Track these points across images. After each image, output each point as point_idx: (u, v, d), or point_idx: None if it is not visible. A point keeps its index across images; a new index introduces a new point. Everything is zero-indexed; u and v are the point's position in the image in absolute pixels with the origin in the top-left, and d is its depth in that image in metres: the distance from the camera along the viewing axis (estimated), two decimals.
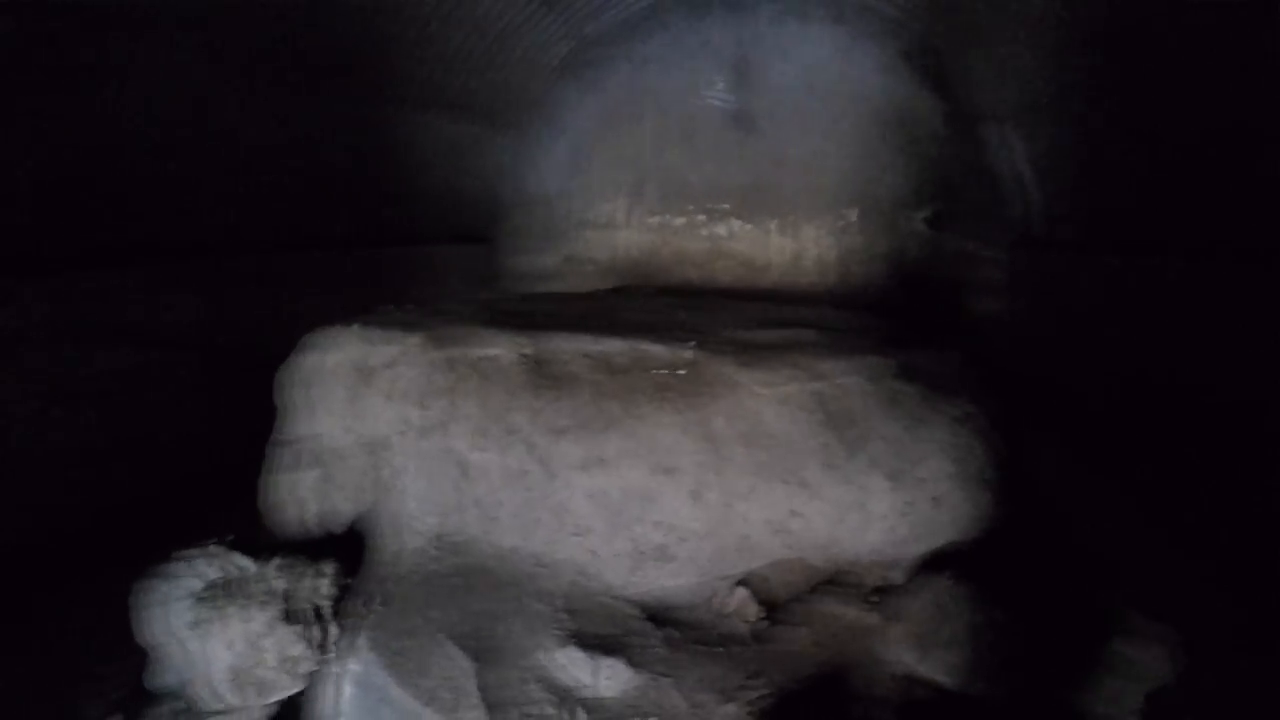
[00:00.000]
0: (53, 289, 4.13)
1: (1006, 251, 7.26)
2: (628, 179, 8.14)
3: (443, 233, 7.43)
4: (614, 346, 2.84)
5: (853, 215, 7.97)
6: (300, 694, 2.80)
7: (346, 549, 2.95)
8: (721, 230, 8.18)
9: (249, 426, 3.65)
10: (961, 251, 7.85)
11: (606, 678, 2.57)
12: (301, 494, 3.05)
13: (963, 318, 7.37)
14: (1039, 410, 5.50)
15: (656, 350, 2.81)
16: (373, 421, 2.95)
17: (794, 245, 8.16)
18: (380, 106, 6.05)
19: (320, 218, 6.00)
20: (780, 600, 2.88)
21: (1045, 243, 6.54)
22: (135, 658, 3.23)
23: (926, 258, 7.82)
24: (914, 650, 2.63)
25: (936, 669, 2.58)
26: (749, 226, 8.17)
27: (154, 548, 3.24)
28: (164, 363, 4.82)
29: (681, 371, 2.73)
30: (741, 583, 2.91)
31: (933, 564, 2.88)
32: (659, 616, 2.80)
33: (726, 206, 8.28)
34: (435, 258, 7.23)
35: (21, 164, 3.96)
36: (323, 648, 2.67)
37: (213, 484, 4.06)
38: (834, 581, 2.96)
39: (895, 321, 3.90)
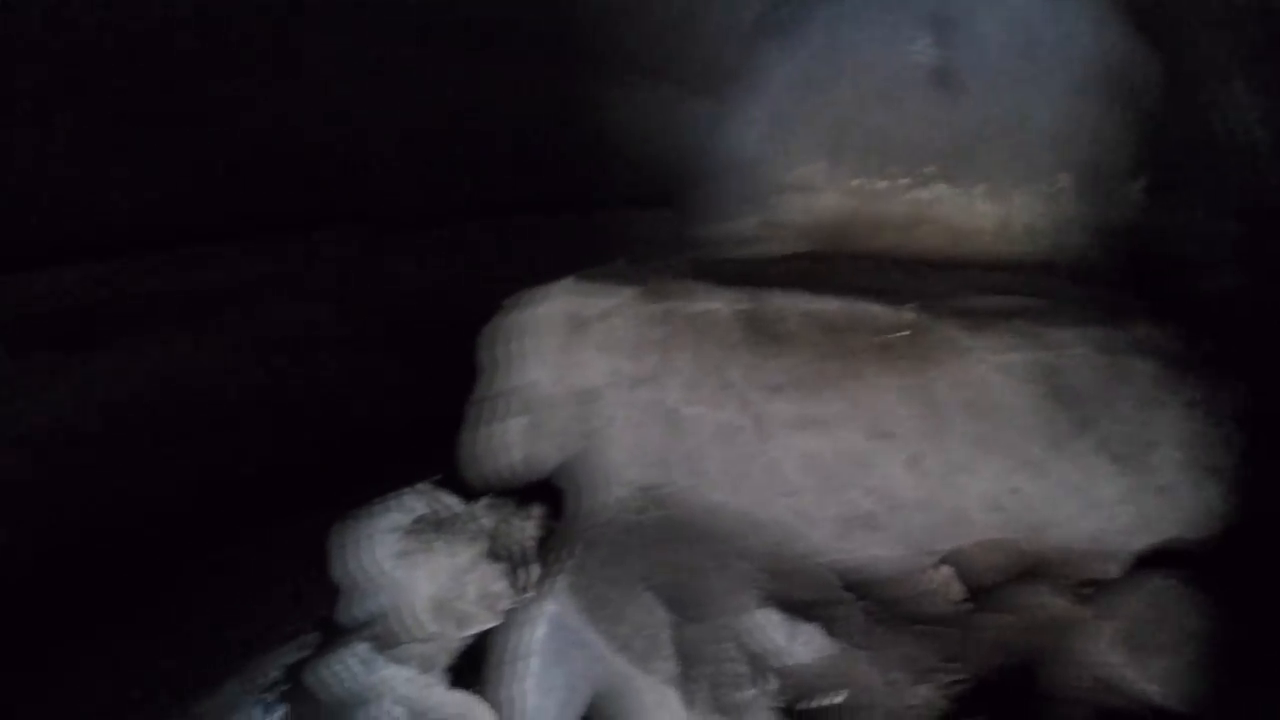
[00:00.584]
0: (264, 250, 4.53)
1: (1235, 223, 6.82)
2: (826, 141, 8.11)
3: (638, 198, 7.67)
4: (832, 305, 2.95)
5: (1065, 181, 7.65)
6: (494, 630, 3.05)
7: (550, 496, 3.18)
8: (925, 195, 8.03)
9: (442, 388, 3.97)
10: (1184, 222, 7.45)
11: (802, 644, 2.72)
12: (508, 441, 3.31)
13: (1187, 296, 7.01)
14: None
15: (877, 311, 2.90)
16: (584, 372, 3.16)
17: (1002, 212, 7.92)
18: (579, 75, 6.32)
19: (518, 185, 6.34)
20: (985, 584, 2.94)
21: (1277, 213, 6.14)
22: (326, 595, 3.63)
23: (1146, 228, 7.46)
24: (1124, 652, 2.62)
25: (1146, 675, 2.56)
26: (954, 191, 7.98)
27: (348, 493, 3.61)
28: (363, 324, 5.23)
29: (903, 334, 2.80)
30: (946, 561, 2.90)
31: (1152, 561, 2.87)
32: (860, 587, 2.92)
33: (930, 170, 8.12)
34: (631, 223, 7.48)
35: (239, 132, 4.40)
36: (523, 587, 2.91)
37: (405, 441, 4.40)
38: (1043, 570, 2.96)
39: (1121, 294, 3.80)
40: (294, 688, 3.47)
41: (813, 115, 8.56)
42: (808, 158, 8.49)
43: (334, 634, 3.43)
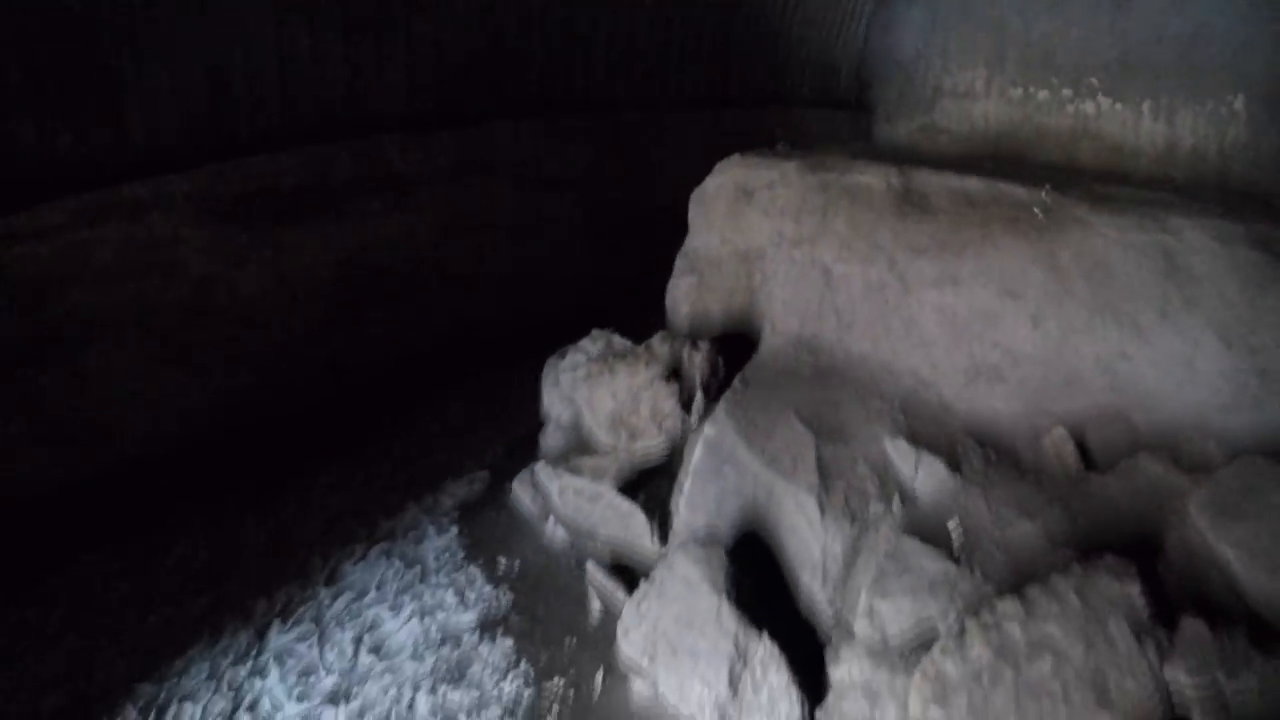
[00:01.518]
0: (460, 136, 5.64)
1: None
2: (988, 46, 8.67)
3: (815, 98, 8.43)
4: (974, 184, 3.72)
5: (1238, 103, 8.05)
6: (659, 447, 4.03)
7: (718, 341, 4.10)
8: (1089, 108, 8.54)
9: (626, 263, 4.92)
10: None
11: (925, 473, 3.53)
12: (678, 296, 4.23)
13: None
14: None
15: (1013, 189, 3.66)
16: (749, 234, 4.04)
17: (1168, 132, 8.39)
18: None
19: (701, 80, 7.23)
20: (1097, 456, 3.62)
21: None
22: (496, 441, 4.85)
23: None
24: (1209, 516, 3.18)
25: (1226, 538, 3.12)
26: (1119, 106, 8.47)
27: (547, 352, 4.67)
28: (556, 203, 6.25)
29: (1035, 209, 3.54)
30: (1062, 424, 3.64)
31: (1253, 442, 3.44)
32: (981, 435, 3.73)
33: (1095, 82, 8.59)
34: (805, 120, 8.27)
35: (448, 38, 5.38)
36: (688, 408, 3.81)
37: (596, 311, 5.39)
38: (1150, 446, 3.59)
39: (1259, 203, 4.36)
40: (464, 513, 4.54)
41: (974, 18, 9.13)
42: (968, 63, 9.12)
43: (528, 452, 4.47)
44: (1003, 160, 4.99)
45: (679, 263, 4.39)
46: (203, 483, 4.80)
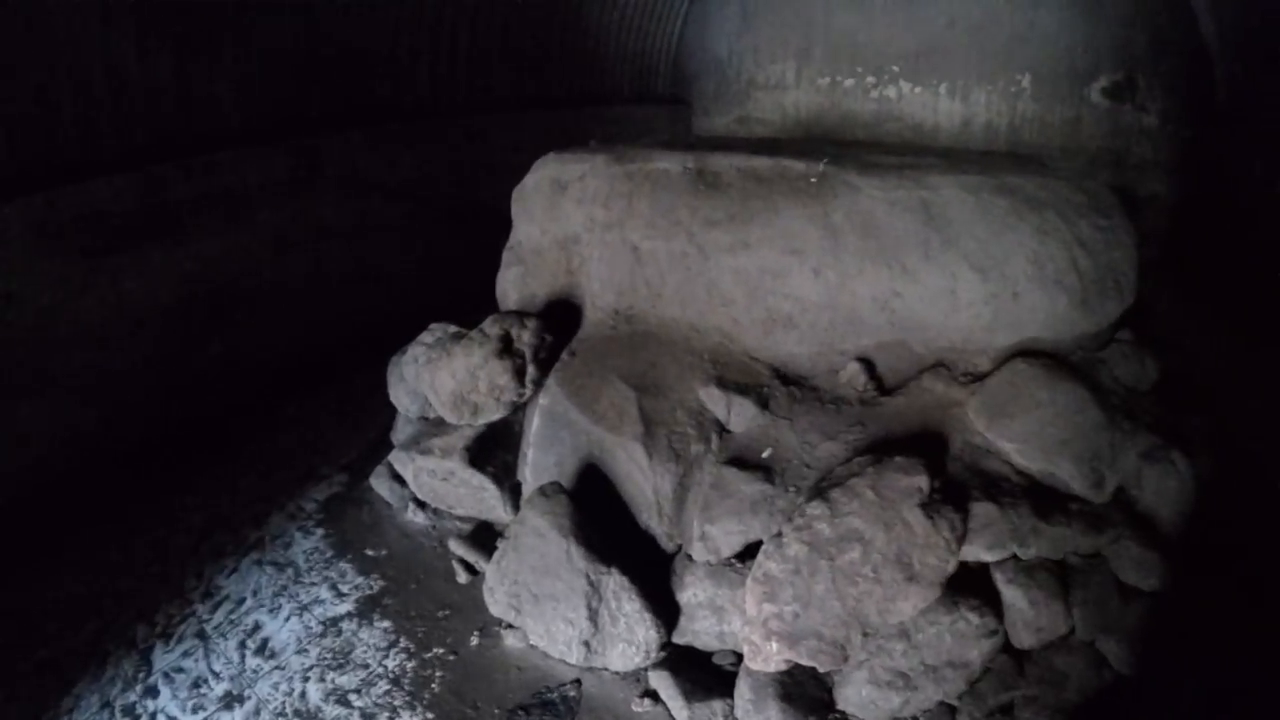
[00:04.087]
0: (292, 147, 6.23)
1: (1190, 129, 8.20)
2: (796, 40, 9.64)
3: (634, 96, 9.20)
4: (760, 161, 4.47)
5: (1025, 81, 9.17)
6: (501, 423, 4.61)
7: (544, 319, 4.75)
8: (890, 93, 9.57)
9: (461, 260, 5.50)
10: (1140, 126, 8.90)
11: (737, 414, 4.21)
12: (506, 287, 4.91)
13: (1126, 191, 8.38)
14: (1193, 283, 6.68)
15: (795, 164, 4.42)
16: (565, 223, 4.72)
17: (963, 110, 9.47)
18: None
19: (522, 81, 7.91)
20: (886, 380, 4.37)
21: (1229, 122, 7.46)
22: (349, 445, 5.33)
23: (1103, 132, 8.92)
24: (985, 417, 4.01)
25: (1002, 435, 3.94)
26: (918, 90, 9.52)
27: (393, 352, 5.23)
28: (385, 209, 6.84)
29: (813, 180, 4.31)
30: (855, 360, 4.37)
31: (1017, 355, 4.23)
32: (784, 375, 4.42)
33: (896, 69, 9.65)
34: (625, 118, 9.02)
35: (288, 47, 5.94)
36: (521, 381, 4.45)
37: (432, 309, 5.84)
38: (931, 367, 4.36)
39: (1035, 164, 5.20)
40: (328, 513, 4.99)
41: (783, 14, 10.15)
42: (778, 56, 10.11)
43: (379, 452, 5.03)
44: (810, 143, 5.77)
45: (506, 255, 5.02)
46: (67, 514, 5.03)
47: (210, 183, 5.96)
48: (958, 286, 4.23)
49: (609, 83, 8.99)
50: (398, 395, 4.86)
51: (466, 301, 5.69)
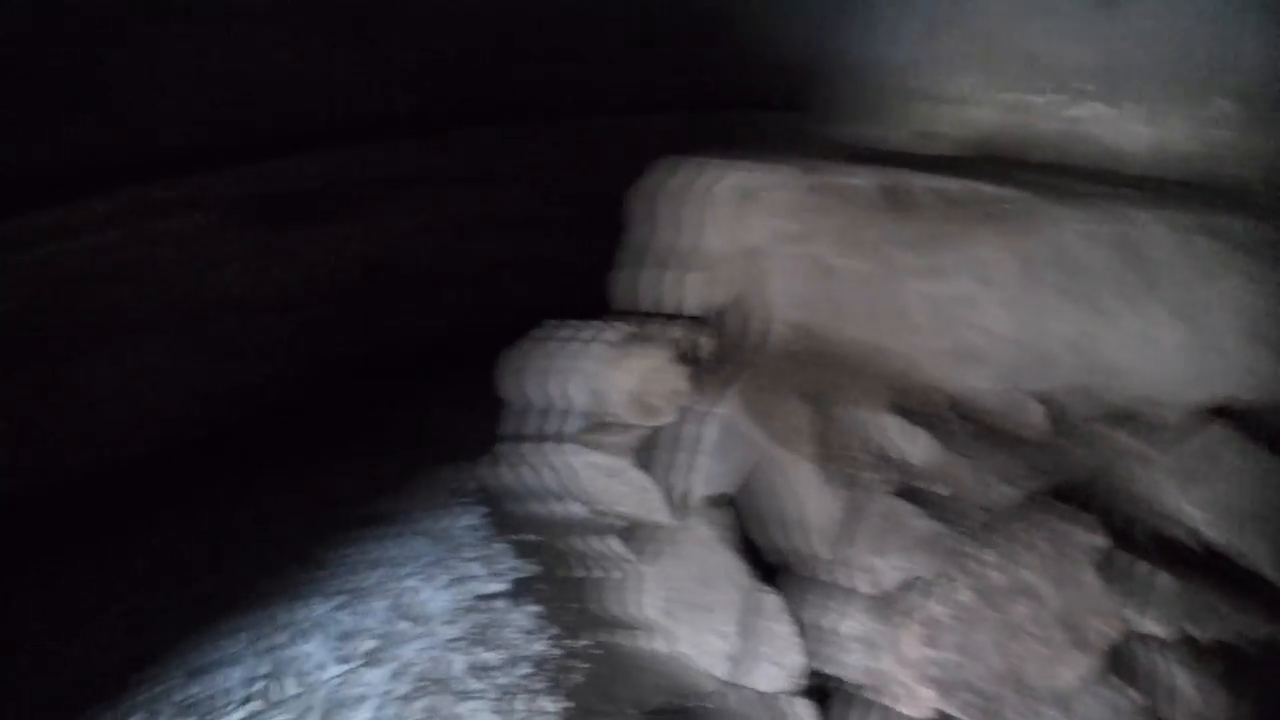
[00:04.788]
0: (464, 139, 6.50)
1: None
2: (980, 52, 9.32)
3: (764, 99, 9.12)
4: (954, 184, 4.41)
5: (1226, 107, 8.72)
6: (670, 427, 4.63)
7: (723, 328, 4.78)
8: (1080, 113, 9.14)
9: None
10: None
11: (915, 446, 4.12)
12: (685, 291, 4.96)
13: None
14: None
15: (989, 188, 4.34)
16: (751, 234, 4.71)
17: (1157, 135, 9.01)
18: None
19: (649, 81, 7.95)
20: (1069, 425, 4.20)
21: None
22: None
23: None
24: (1174, 479, 3.82)
25: (1190, 501, 3.74)
26: (1110, 111, 9.10)
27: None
28: (558, 203, 7.00)
29: (1007, 206, 4.24)
30: (1039, 400, 4.26)
31: (1214, 414, 4.01)
32: (965, 410, 4.32)
33: (1087, 88, 9.26)
34: (758, 123, 8.92)
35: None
36: (699, 388, 4.49)
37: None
38: (1118, 416, 4.18)
39: (1236, 199, 4.95)
40: (490, 492, 5.18)
41: (966, 24, 9.85)
42: (959, 68, 9.81)
43: (520, 442, 5.14)
44: (996, 164, 5.67)
45: (677, 257, 5.05)
46: (237, 461, 5.53)
47: (391, 168, 6.35)
48: (1156, 333, 4.06)
49: (743, 84, 8.86)
50: (554, 384, 4.94)
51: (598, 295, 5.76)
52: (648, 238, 5.11)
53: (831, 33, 9.60)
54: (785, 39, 9.39)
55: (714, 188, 4.84)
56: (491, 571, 4.51)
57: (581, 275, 7.17)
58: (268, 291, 6.19)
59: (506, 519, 4.83)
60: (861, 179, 4.55)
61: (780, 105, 9.43)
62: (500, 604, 4.33)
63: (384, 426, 6.11)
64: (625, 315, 5.07)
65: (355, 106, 6.39)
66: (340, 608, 4.39)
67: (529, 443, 4.98)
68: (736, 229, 4.73)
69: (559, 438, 4.97)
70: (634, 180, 5.39)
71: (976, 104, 9.86)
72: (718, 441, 4.40)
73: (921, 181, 4.50)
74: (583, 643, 4.15)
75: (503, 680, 3.91)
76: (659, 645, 3.98)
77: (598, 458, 4.68)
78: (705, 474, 4.41)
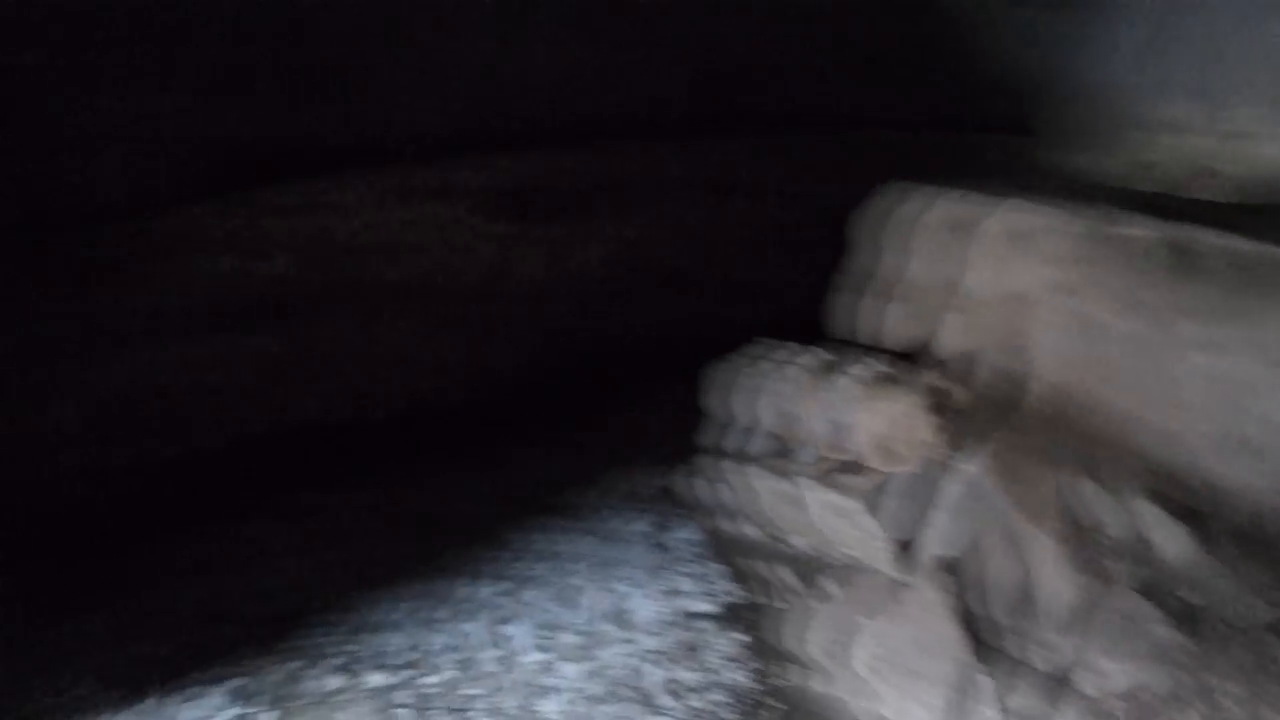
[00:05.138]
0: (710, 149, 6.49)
1: None
2: (1202, 76, 8.40)
3: (992, 121, 8.57)
4: (1246, 245, 3.95)
5: None
6: (906, 476, 4.43)
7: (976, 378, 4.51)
8: None
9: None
10: None
11: (1169, 540, 3.76)
12: (946, 330, 4.71)
13: None
14: None
15: None
16: (1016, 279, 4.41)
17: None
18: None
19: (892, 102, 7.60)
20: None
21: None
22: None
23: None
24: None
25: None
26: None
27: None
28: (780, 217, 6.88)
29: None
30: None
31: None
32: (1232, 510, 3.86)
33: None
34: (982, 146, 8.34)
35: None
36: (947, 441, 4.26)
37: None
38: None
39: None
40: (671, 501, 5.11)
41: (1188, 43, 8.86)
42: (1181, 93, 8.82)
43: (720, 458, 5.00)
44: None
45: (924, 293, 4.79)
46: (458, 439, 5.91)
47: (642, 170, 6.56)
48: None
49: (972, 105, 8.33)
50: (760, 405, 4.80)
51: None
52: (871, 265, 4.94)
53: (1051, 54, 8.92)
54: (1007, 59, 8.86)
55: (983, 225, 4.54)
56: (705, 591, 4.43)
57: (804, 293, 7.10)
58: (510, 280, 6.56)
59: (722, 538, 4.72)
60: (1142, 229, 4.17)
61: (998, 127, 8.93)
62: (706, 625, 4.28)
63: (591, 422, 6.34)
64: (840, 343, 4.97)
65: (614, 108, 6.51)
66: (550, 598, 4.57)
67: (729, 460, 4.87)
68: (1001, 273, 4.45)
69: (756, 460, 4.85)
70: (859, 200, 5.21)
71: (1198, 134, 8.89)
72: (957, 499, 4.18)
73: (1210, 239, 4.08)
74: (782, 681, 4.11)
75: (696, 703, 3.94)
76: (861, 702, 3.88)
77: (835, 498, 4.51)
78: (938, 531, 4.20)
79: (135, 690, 4.14)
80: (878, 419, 4.36)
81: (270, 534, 5.12)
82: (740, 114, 7.01)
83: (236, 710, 3.92)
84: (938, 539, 4.18)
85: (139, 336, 5.93)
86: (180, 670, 4.19)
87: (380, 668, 4.06)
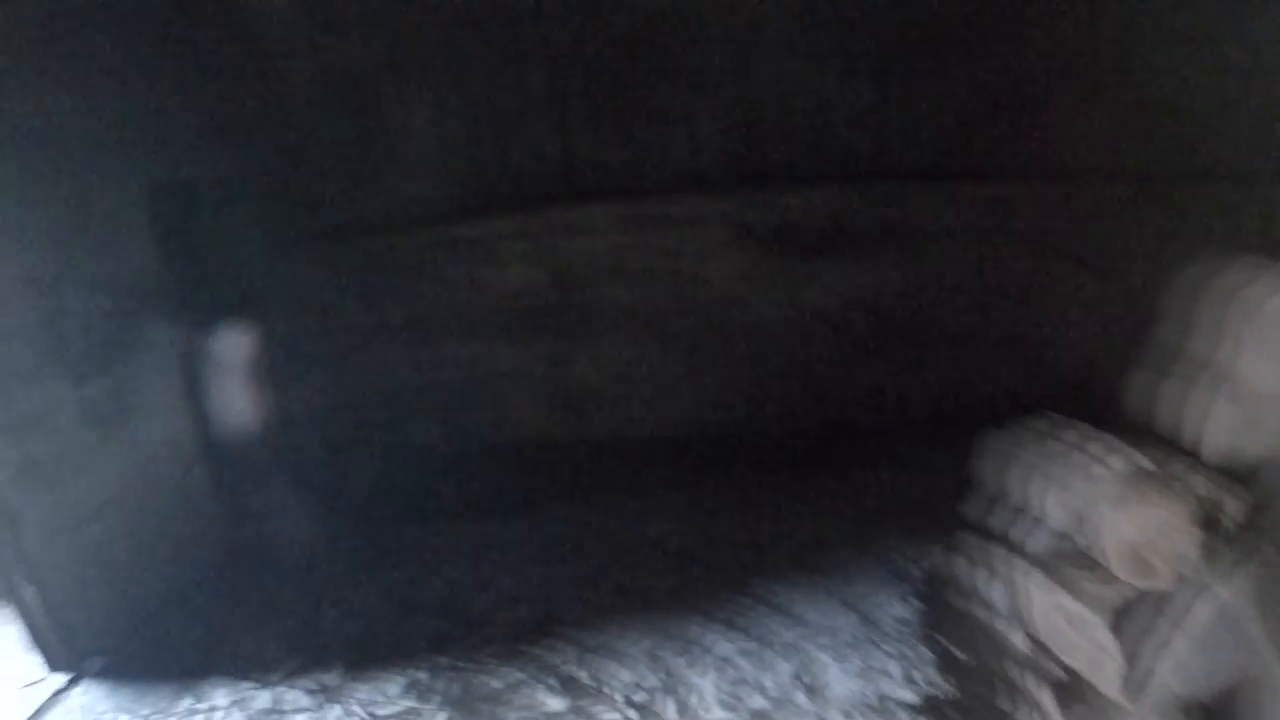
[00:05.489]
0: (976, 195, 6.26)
1: None
2: None
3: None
4: None
5: None
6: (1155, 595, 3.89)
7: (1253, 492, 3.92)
8: None
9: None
10: None
11: None
12: (1219, 424, 4.13)
13: None
14: None
15: None
16: None
17: None
18: None
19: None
20: None
21: None
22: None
23: None
24: None
25: None
26: None
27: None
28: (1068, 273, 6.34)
29: None
30: None
31: None
32: None
33: None
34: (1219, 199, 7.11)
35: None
36: (1208, 560, 3.71)
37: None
38: None
39: None
40: (930, 586, 4.70)
41: None
42: None
43: (986, 538, 4.58)
44: None
45: (1207, 378, 4.23)
46: (683, 471, 5.88)
47: (892, 215, 6.28)
48: None
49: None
50: (1040, 495, 4.36)
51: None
52: (1179, 341, 4.31)
53: None
54: None
55: (1266, 304, 3.97)
56: (907, 675, 4.20)
57: (1079, 355, 6.52)
58: (759, 315, 6.51)
59: (941, 620, 4.36)
60: None
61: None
62: (905, 715, 3.98)
63: (836, 474, 6.01)
64: (1138, 431, 4.31)
65: (876, 148, 6.12)
66: (744, 653, 4.35)
67: (994, 542, 4.45)
68: None
69: (1027, 554, 4.39)
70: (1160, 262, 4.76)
71: None
72: (1206, 627, 3.62)
73: None
74: None
75: None
76: None
77: (1066, 600, 4.07)
78: (1177, 662, 3.66)
79: (318, 661, 4.42)
80: (1131, 524, 3.88)
81: (508, 536, 5.41)
82: (1010, 159, 6.52)
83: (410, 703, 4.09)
84: (1173, 669, 3.64)
85: (423, 334, 6.72)
86: (370, 653, 4.45)
87: (591, 694, 4.08)
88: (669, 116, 6.26)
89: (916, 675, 4.13)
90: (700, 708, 3.93)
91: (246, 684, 4.32)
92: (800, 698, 4.02)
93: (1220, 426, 4.03)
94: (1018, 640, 4.18)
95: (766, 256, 6.37)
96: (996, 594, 4.34)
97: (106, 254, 4.81)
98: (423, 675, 4.24)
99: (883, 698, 4.02)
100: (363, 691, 4.19)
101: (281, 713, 4.05)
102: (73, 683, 4.29)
